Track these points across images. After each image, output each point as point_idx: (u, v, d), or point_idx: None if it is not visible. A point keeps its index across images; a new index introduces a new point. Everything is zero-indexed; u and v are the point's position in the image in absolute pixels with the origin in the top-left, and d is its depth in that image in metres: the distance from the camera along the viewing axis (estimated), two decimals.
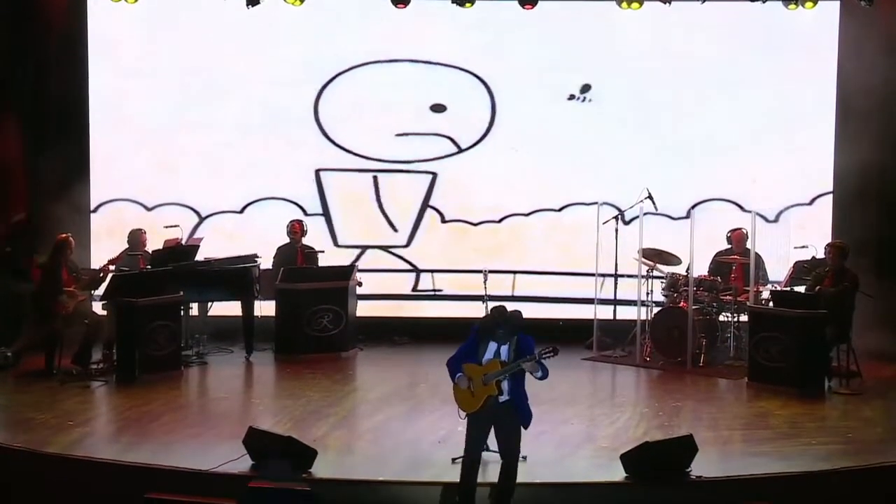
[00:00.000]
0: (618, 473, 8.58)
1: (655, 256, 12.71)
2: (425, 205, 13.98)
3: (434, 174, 13.92)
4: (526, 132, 13.82)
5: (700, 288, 12.42)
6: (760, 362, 11.46)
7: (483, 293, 9.32)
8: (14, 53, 13.16)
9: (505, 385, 8.00)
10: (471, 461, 8.07)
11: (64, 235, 11.96)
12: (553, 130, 13.77)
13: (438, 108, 13.77)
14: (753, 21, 13.32)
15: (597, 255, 13.03)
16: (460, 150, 13.90)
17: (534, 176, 13.82)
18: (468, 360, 8.12)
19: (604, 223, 12.92)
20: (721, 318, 12.58)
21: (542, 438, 9.59)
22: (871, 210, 13.25)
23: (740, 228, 12.70)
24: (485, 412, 8.03)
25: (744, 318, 12.28)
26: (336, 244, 13.94)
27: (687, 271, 12.36)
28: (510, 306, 8.25)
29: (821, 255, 12.24)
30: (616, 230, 12.94)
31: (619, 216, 12.98)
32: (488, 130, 13.87)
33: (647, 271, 12.72)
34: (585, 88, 13.45)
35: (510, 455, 8.07)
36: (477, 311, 9.24)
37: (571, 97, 13.62)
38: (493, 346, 8.07)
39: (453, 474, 8.40)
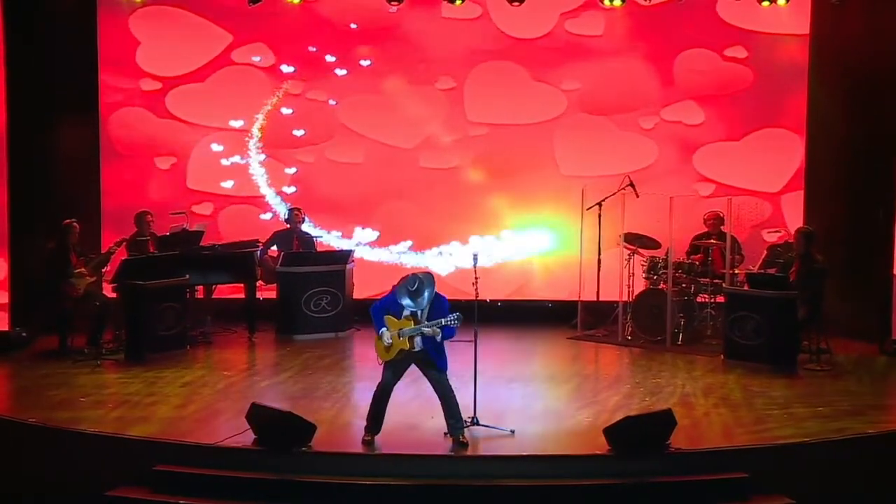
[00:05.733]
0: (601, 446, 8.58)
1: (636, 241, 12.69)
2: None
3: None
4: None
5: (679, 271, 12.41)
6: (735, 340, 11.50)
7: (474, 275, 9.25)
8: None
9: (418, 340, 8.49)
10: (381, 392, 8.71)
11: (68, 221, 11.87)
12: None
13: None
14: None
15: (581, 239, 13.04)
16: None
17: None
18: (391, 312, 8.55)
19: (587, 209, 12.90)
20: (698, 298, 12.57)
21: (529, 413, 9.66)
22: (841, 197, 13.14)
23: (716, 211, 12.67)
24: (399, 360, 8.58)
25: (720, 298, 12.27)
26: None
27: (666, 255, 12.35)
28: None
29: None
30: (599, 216, 12.89)
31: (600, 204, 12.87)
32: None
33: (629, 255, 12.70)
34: None
35: (440, 387, 8.64)
36: (468, 292, 9.23)
37: None
38: (411, 304, 8.49)
39: (446, 448, 8.60)
